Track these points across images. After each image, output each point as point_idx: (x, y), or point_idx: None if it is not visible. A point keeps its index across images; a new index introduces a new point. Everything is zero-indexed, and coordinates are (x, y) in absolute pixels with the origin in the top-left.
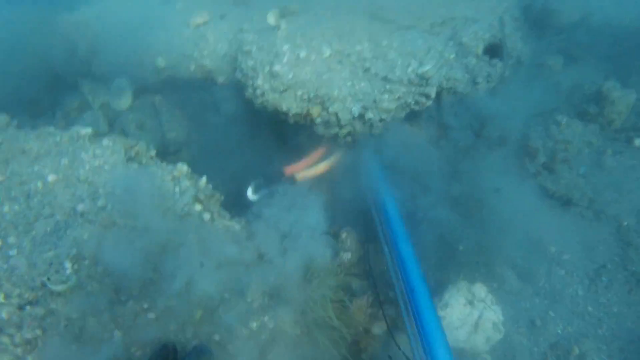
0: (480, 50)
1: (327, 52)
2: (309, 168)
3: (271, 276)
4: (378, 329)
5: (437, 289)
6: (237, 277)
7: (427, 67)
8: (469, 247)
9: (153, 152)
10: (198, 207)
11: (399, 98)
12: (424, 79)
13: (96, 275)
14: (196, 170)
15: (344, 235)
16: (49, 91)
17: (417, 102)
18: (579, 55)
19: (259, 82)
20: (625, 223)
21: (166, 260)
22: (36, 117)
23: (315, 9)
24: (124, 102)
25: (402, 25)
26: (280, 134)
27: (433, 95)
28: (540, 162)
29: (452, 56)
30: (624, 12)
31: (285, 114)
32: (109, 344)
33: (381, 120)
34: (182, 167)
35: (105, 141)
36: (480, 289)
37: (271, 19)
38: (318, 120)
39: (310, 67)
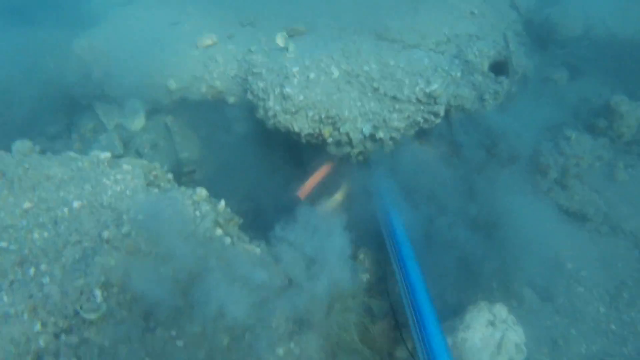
0: (485, 68)
1: (336, 73)
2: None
3: (300, 301)
4: (401, 352)
5: (457, 310)
6: (267, 302)
7: (434, 86)
8: (486, 266)
9: (170, 175)
10: (219, 231)
11: (408, 117)
12: (432, 98)
13: (125, 302)
14: (211, 189)
15: (361, 256)
16: (64, 113)
17: (426, 120)
18: (584, 69)
19: (270, 103)
20: None
21: (192, 287)
22: (53, 138)
23: (321, 29)
24: (138, 123)
25: (407, 44)
26: (292, 152)
27: (442, 113)
28: (552, 178)
29: (459, 74)
30: (626, 25)
31: (298, 134)
32: None
33: (392, 138)
34: (202, 192)
35: (125, 166)
36: (501, 309)
37: (280, 41)
38: (330, 140)
39: (320, 88)
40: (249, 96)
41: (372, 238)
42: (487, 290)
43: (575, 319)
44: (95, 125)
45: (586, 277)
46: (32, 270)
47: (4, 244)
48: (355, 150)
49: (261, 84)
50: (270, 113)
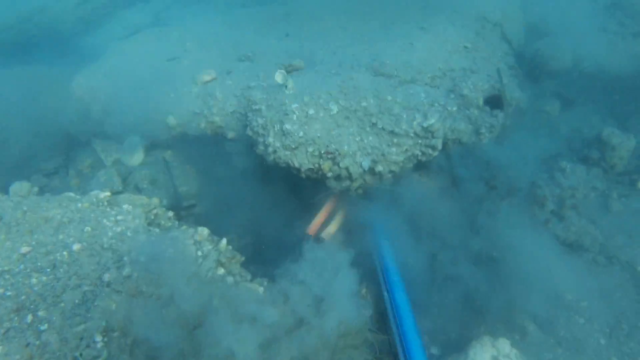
0: (481, 102)
1: (334, 109)
2: (329, 223)
3: (309, 341)
4: None
5: (459, 345)
6: (275, 342)
7: (432, 121)
8: (488, 300)
9: (171, 214)
10: (221, 270)
11: (406, 150)
12: (429, 132)
13: (126, 347)
14: (210, 223)
15: (364, 291)
16: (62, 150)
17: (424, 154)
18: (574, 100)
19: (271, 139)
20: (639, 268)
21: (196, 329)
22: (49, 175)
23: (319, 64)
24: (136, 158)
25: (404, 79)
26: (291, 186)
27: (439, 147)
28: (549, 209)
29: (455, 108)
30: (613, 58)
31: (298, 169)
32: None
33: (390, 172)
34: (203, 231)
35: (125, 206)
36: (504, 344)
37: (279, 78)
38: (329, 174)
39: (320, 124)
40: (249, 132)
41: (373, 271)
42: (489, 323)
43: (576, 351)
44: (93, 161)
45: (586, 309)
46: (29, 317)
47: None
48: (355, 184)
49: (261, 120)
50: (271, 149)
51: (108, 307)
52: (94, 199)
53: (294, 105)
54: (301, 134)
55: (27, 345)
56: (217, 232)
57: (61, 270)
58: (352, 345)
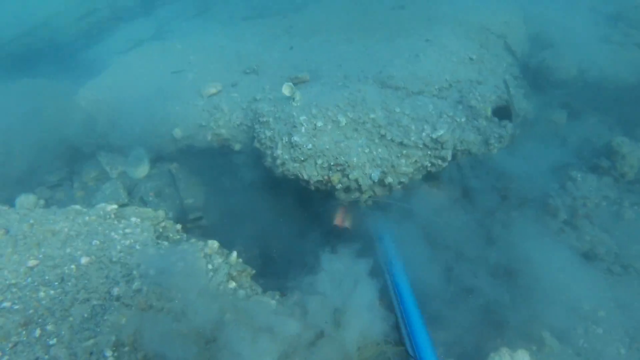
0: (489, 112)
1: (343, 121)
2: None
3: (331, 353)
4: None
5: (477, 355)
6: (297, 355)
7: (441, 132)
8: (504, 311)
9: (179, 226)
10: (232, 284)
11: (415, 162)
12: (438, 143)
13: None
14: (217, 235)
15: (377, 302)
16: (66, 162)
17: (433, 165)
18: (581, 109)
19: (279, 152)
20: None
21: (208, 344)
22: (53, 188)
23: (325, 77)
24: (142, 170)
25: (411, 91)
26: (298, 197)
27: (449, 157)
28: (562, 219)
29: (463, 119)
30: (617, 67)
31: (307, 181)
32: None
33: (400, 183)
34: (213, 244)
35: (134, 218)
36: (522, 356)
37: (286, 91)
38: (339, 186)
39: (328, 136)
40: (256, 144)
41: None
42: (506, 335)
43: None
44: (98, 173)
45: (604, 318)
46: (37, 331)
47: (7, 304)
48: (365, 196)
49: (268, 133)
50: (279, 161)
51: (118, 321)
52: (101, 212)
53: (302, 118)
54: (310, 146)
55: (36, 359)
56: (224, 244)
57: (69, 283)
58: (370, 357)
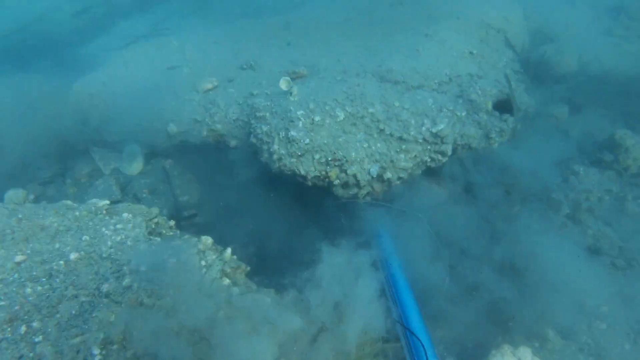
0: (490, 106)
1: (341, 116)
2: None
3: (331, 349)
4: None
5: (478, 353)
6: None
7: (441, 126)
8: (507, 307)
9: (172, 223)
10: (226, 281)
11: (415, 157)
12: (438, 137)
13: None
14: (212, 233)
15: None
16: (58, 158)
17: (433, 160)
18: (582, 103)
19: (275, 147)
20: None
21: (199, 342)
22: (45, 184)
23: (323, 72)
24: (136, 167)
25: (411, 85)
26: (294, 194)
27: (449, 152)
28: (565, 213)
29: (464, 113)
30: (619, 60)
31: (304, 177)
32: None
33: (399, 178)
34: (207, 240)
35: (125, 214)
36: (525, 352)
37: (283, 85)
38: (336, 182)
39: (326, 131)
40: (253, 139)
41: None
42: (507, 332)
43: (600, 357)
44: (91, 170)
45: (607, 314)
46: (23, 328)
47: None
48: (363, 191)
49: (265, 128)
50: (276, 156)
51: (106, 318)
52: (92, 208)
53: (300, 112)
54: (307, 141)
55: (20, 357)
56: (219, 242)
57: (57, 280)
58: (369, 354)
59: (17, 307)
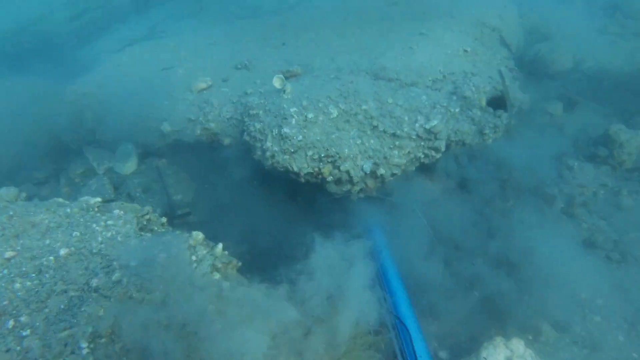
0: (484, 103)
1: (334, 113)
2: None
3: (323, 341)
4: None
5: (471, 346)
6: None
7: (434, 122)
8: (500, 300)
9: (164, 220)
10: (217, 275)
11: (409, 153)
12: (432, 134)
13: (114, 355)
14: (206, 232)
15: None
16: (53, 159)
17: (426, 156)
18: (577, 100)
19: (268, 144)
20: None
21: (189, 336)
22: (40, 184)
23: (317, 70)
24: (129, 166)
25: (404, 82)
26: (289, 192)
27: (443, 148)
28: (559, 208)
29: (457, 110)
30: (614, 57)
31: (297, 174)
32: None
33: (392, 175)
34: (198, 236)
35: (117, 211)
36: (517, 344)
37: (276, 83)
38: (330, 178)
39: (319, 128)
40: (246, 137)
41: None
42: (500, 325)
43: (594, 349)
44: (85, 170)
45: (602, 306)
46: (10, 323)
47: None
48: (356, 188)
49: (258, 125)
50: (269, 153)
51: (95, 312)
52: (84, 205)
53: (293, 109)
54: (300, 137)
55: (8, 351)
56: (212, 240)
57: (47, 275)
58: (363, 345)
59: (5, 302)
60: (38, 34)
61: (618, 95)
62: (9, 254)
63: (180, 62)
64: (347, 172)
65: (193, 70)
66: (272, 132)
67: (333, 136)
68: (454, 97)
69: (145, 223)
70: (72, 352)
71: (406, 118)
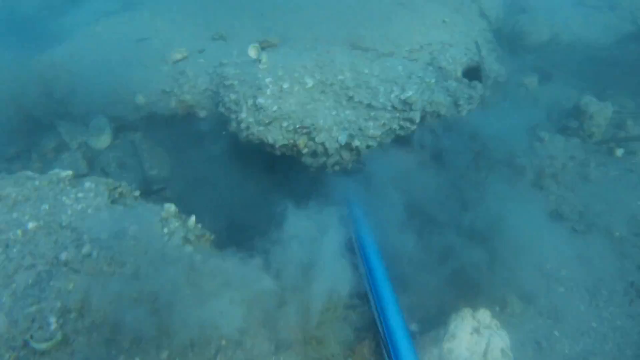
0: (459, 73)
1: (310, 83)
2: None
3: (296, 313)
4: None
5: (439, 318)
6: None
7: (409, 93)
8: (465, 270)
9: (137, 193)
10: (188, 248)
11: (384, 124)
12: (407, 105)
13: (84, 329)
14: (183, 207)
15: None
16: (24, 134)
17: (402, 128)
18: (552, 73)
19: (243, 115)
20: (617, 234)
21: (160, 309)
22: (11, 160)
23: (294, 40)
24: (103, 141)
25: (381, 52)
26: (266, 165)
27: (418, 119)
28: (529, 179)
29: (433, 80)
30: (590, 30)
31: (272, 146)
32: None
33: (368, 147)
34: (170, 208)
35: (88, 183)
36: (484, 315)
37: (252, 52)
38: (305, 150)
39: (294, 99)
40: (221, 109)
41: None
42: (470, 296)
43: (557, 319)
44: (58, 144)
45: (566, 277)
46: None
47: None
48: (331, 160)
49: (233, 96)
50: (243, 125)
51: (64, 287)
52: (54, 178)
53: (268, 79)
54: (275, 108)
55: None
56: (188, 214)
57: (14, 250)
58: (336, 317)
59: None
60: (6, 7)
61: (592, 68)
62: None
63: (156, 33)
64: (322, 143)
65: (169, 41)
66: (247, 102)
67: (308, 107)
68: (430, 68)
69: (117, 196)
70: (40, 328)
71: (382, 89)
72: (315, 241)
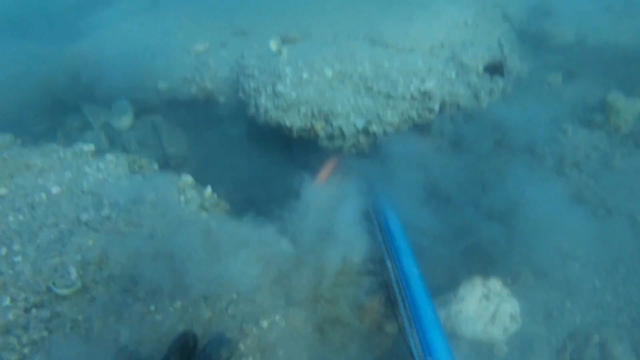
0: (480, 69)
1: (329, 73)
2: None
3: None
4: (391, 327)
5: (450, 286)
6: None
7: (429, 85)
8: (481, 245)
9: (156, 166)
10: (204, 214)
11: (402, 113)
12: (426, 95)
13: (102, 280)
14: (200, 181)
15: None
16: (51, 115)
17: (420, 116)
18: (577, 72)
19: (262, 100)
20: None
21: (175, 264)
22: (38, 137)
23: (315, 36)
24: (125, 121)
25: (402, 49)
26: (282, 148)
27: (437, 109)
28: (550, 165)
29: (453, 75)
30: (618, 34)
31: (289, 129)
32: (115, 343)
33: (385, 133)
34: (187, 178)
35: (109, 156)
36: (495, 283)
37: (273, 46)
38: (322, 133)
39: (313, 87)
40: (241, 94)
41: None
42: (483, 269)
43: (570, 292)
44: (82, 124)
45: (582, 255)
46: (4, 250)
47: None
48: (348, 143)
49: (253, 84)
50: (262, 109)
51: (84, 243)
52: (77, 150)
53: (287, 69)
54: (294, 95)
55: (1, 274)
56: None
57: (39, 210)
58: (349, 282)
59: None
60: (40, 6)
61: (620, 67)
62: (2, 191)
63: (180, 28)
64: (340, 127)
65: (192, 34)
66: (266, 90)
67: (327, 95)
68: (451, 63)
69: (136, 169)
70: (62, 276)
71: (401, 80)
72: (331, 209)
